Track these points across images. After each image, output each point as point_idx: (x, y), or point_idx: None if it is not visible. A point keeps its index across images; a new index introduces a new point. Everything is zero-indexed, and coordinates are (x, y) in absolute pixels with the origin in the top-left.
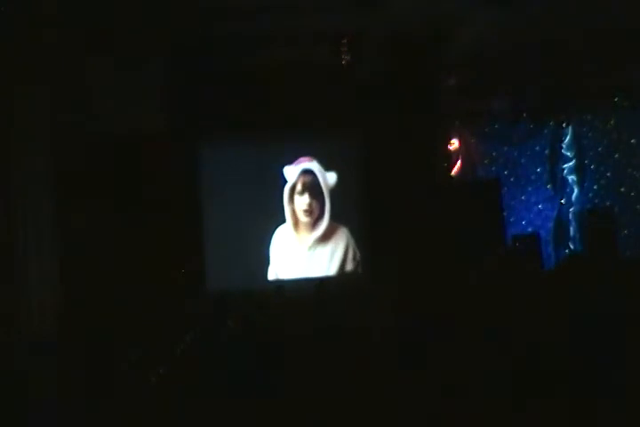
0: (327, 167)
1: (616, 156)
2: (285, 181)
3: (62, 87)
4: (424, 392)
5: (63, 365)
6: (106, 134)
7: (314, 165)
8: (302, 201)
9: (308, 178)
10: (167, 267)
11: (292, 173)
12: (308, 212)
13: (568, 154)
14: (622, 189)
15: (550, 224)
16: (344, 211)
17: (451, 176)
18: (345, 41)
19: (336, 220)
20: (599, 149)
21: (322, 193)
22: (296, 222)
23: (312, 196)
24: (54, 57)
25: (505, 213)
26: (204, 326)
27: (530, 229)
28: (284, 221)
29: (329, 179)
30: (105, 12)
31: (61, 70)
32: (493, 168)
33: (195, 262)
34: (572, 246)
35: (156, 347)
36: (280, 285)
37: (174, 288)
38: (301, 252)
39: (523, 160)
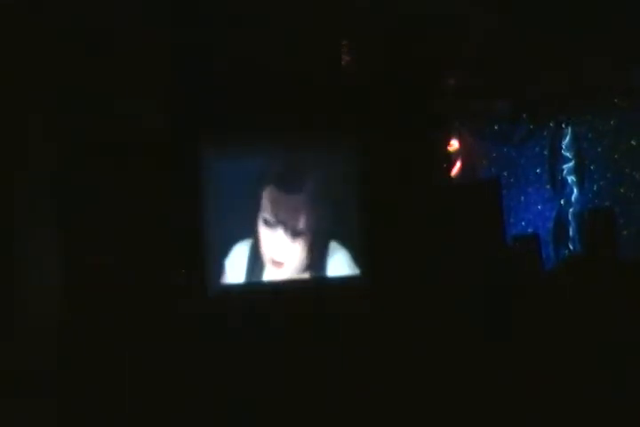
0: (327, 167)
1: (616, 156)
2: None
3: (62, 87)
4: (424, 392)
5: (63, 365)
6: (106, 134)
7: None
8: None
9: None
10: (167, 267)
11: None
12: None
13: (568, 154)
14: (622, 190)
15: (550, 225)
16: (344, 211)
17: (450, 177)
18: (345, 41)
19: (336, 219)
20: (599, 149)
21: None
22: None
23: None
24: (54, 57)
25: (505, 214)
26: (204, 326)
27: (530, 230)
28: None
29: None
30: (105, 13)
31: (61, 70)
32: (493, 169)
33: (195, 262)
34: (571, 247)
35: (155, 347)
36: (280, 285)
37: (174, 288)
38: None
39: (522, 161)
